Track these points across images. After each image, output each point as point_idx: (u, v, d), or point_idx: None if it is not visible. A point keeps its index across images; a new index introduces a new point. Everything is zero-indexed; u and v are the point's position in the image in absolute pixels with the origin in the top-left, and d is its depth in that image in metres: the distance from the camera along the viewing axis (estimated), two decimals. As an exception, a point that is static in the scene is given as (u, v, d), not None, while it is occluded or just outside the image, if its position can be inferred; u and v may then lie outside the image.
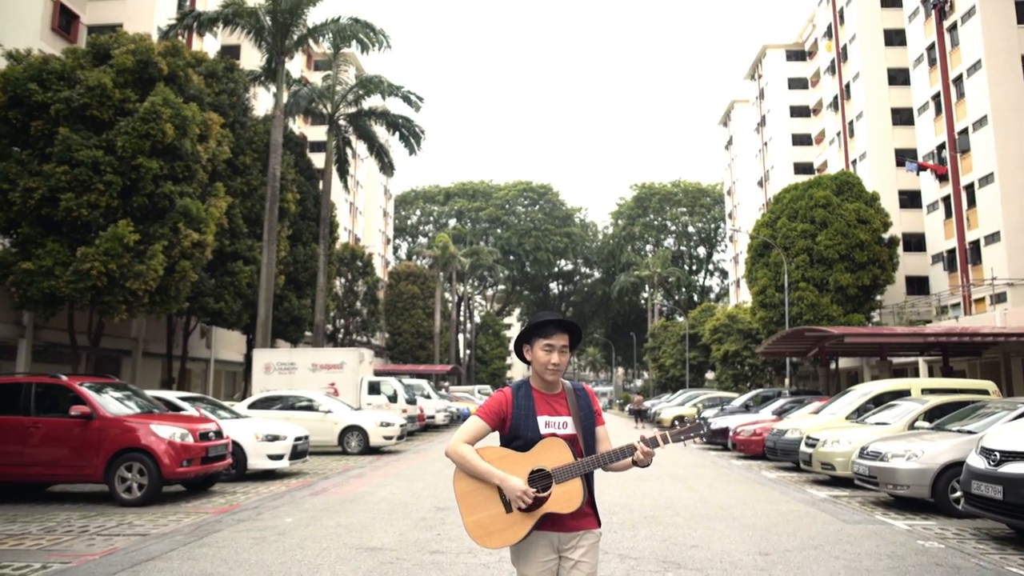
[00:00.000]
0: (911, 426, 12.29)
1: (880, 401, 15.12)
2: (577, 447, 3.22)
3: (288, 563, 6.53)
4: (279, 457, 12.59)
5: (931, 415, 12.57)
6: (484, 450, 3.20)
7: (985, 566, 6.76)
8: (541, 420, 3.21)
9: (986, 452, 8.15)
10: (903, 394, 15.13)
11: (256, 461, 12.39)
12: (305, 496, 10.73)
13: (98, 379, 11.47)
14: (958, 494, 9.58)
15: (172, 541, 7.46)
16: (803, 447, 13.63)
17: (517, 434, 3.20)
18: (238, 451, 12.25)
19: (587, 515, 3.21)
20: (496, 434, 3.33)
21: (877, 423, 13.07)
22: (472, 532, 3.15)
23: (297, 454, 13.09)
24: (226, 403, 18.67)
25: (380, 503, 10.05)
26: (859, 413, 14.90)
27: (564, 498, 3.09)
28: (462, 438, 3.25)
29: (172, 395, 13.26)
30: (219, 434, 10.96)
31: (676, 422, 3.22)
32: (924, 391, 14.97)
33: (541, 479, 3.12)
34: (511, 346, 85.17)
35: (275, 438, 12.65)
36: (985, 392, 15.02)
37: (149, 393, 12.98)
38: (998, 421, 10.07)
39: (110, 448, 9.90)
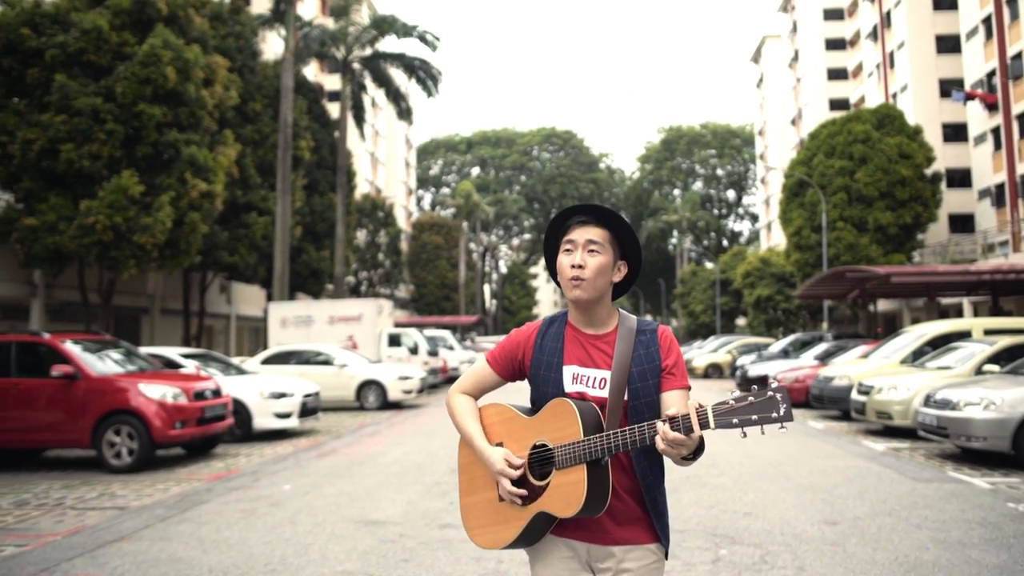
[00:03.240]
0: (978, 370, 11.08)
1: (937, 344, 13.87)
2: (605, 417, 2.10)
3: (273, 542, 5.62)
4: (287, 415, 11.75)
5: (998, 358, 11.35)
6: (490, 408, 2.23)
7: (1097, 535, 5.67)
8: (568, 371, 2.16)
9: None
10: (963, 335, 13.86)
11: (262, 420, 11.56)
12: (311, 458, 9.87)
13: (88, 336, 10.65)
14: (1043, 446, 8.46)
15: (150, 516, 6.60)
16: (855, 395, 12.49)
17: (536, 389, 2.22)
18: (242, 410, 11.42)
19: (636, 520, 2.12)
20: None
21: (939, 367, 11.87)
22: (463, 518, 2.24)
23: (307, 411, 12.25)
24: (235, 359, 17.96)
25: (391, 465, 9.15)
26: (915, 357, 13.67)
27: (560, 493, 2.05)
28: (460, 387, 2.29)
29: (173, 352, 12.44)
30: (217, 393, 10.10)
31: (731, 394, 1.96)
32: (987, 331, 13.67)
33: (542, 460, 2.11)
34: (538, 296, 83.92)
35: (282, 395, 11.78)
36: (1054, 332, 13.70)
37: (146, 350, 12.19)
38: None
39: (96, 410, 9.07)
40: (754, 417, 1.87)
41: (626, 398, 2.11)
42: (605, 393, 2.12)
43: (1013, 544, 5.38)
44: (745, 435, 1.94)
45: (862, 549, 5.27)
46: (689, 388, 2.17)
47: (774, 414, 1.86)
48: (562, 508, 2.04)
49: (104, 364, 9.76)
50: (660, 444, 1.92)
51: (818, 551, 5.23)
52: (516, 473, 2.08)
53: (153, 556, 5.31)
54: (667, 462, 2.13)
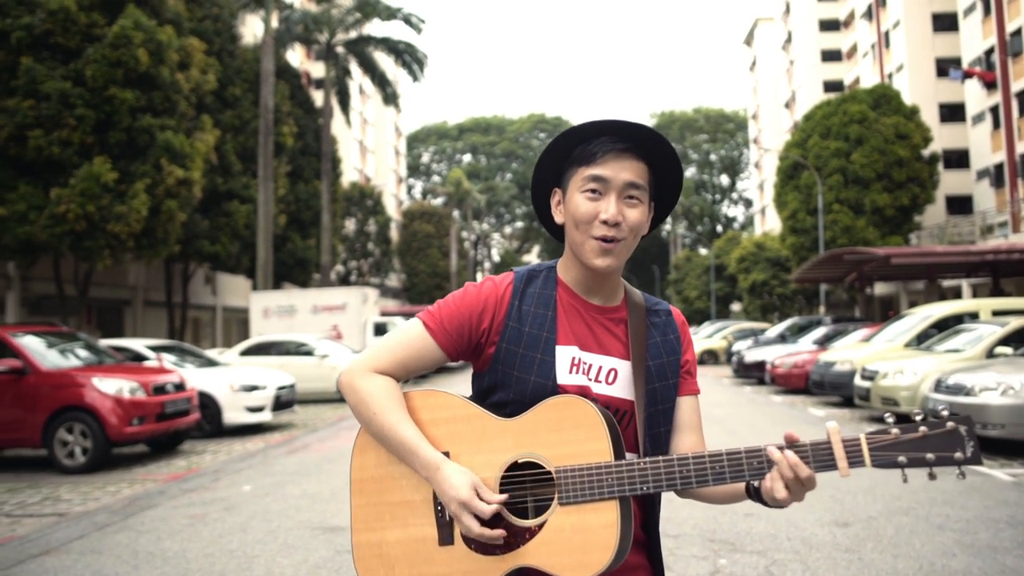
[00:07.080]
0: (989, 353, 10.49)
1: (942, 326, 13.30)
2: (630, 430, 1.47)
3: (215, 555, 4.99)
4: (259, 409, 11.11)
5: (1009, 340, 10.76)
6: (420, 397, 1.51)
7: None
8: (563, 354, 1.47)
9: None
10: (970, 317, 13.29)
11: (233, 415, 10.91)
12: (280, 455, 9.23)
13: (43, 328, 9.99)
14: (1064, 433, 7.88)
15: (89, 523, 5.96)
16: (858, 380, 11.90)
17: (504, 378, 1.49)
18: (211, 404, 10.77)
19: (634, 568, 1.47)
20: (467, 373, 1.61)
21: (947, 351, 11.28)
22: (362, 566, 1.44)
23: (282, 404, 11.61)
24: (211, 351, 17.29)
25: (365, 462, 8.52)
26: (920, 340, 13.09)
27: (566, 542, 1.36)
28: (373, 363, 1.51)
29: (139, 344, 11.77)
30: (180, 386, 9.44)
31: (891, 421, 1.33)
32: (995, 312, 13.09)
33: (523, 485, 1.40)
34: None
35: (253, 388, 11.13)
36: (1064, 312, 13.13)
37: (110, 343, 11.53)
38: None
39: (47, 407, 8.42)
40: (929, 456, 1.31)
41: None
42: (617, 391, 1.48)
43: (1050, 547, 4.78)
44: (906, 480, 1.38)
45: (880, 556, 4.66)
46: (699, 393, 1.61)
47: (957, 454, 1.31)
48: (571, 567, 1.34)
49: (58, 358, 9.11)
50: (776, 486, 1.32)
51: (831, 559, 4.62)
52: (490, 510, 1.35)
53: (78, 572, 4.67)
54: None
